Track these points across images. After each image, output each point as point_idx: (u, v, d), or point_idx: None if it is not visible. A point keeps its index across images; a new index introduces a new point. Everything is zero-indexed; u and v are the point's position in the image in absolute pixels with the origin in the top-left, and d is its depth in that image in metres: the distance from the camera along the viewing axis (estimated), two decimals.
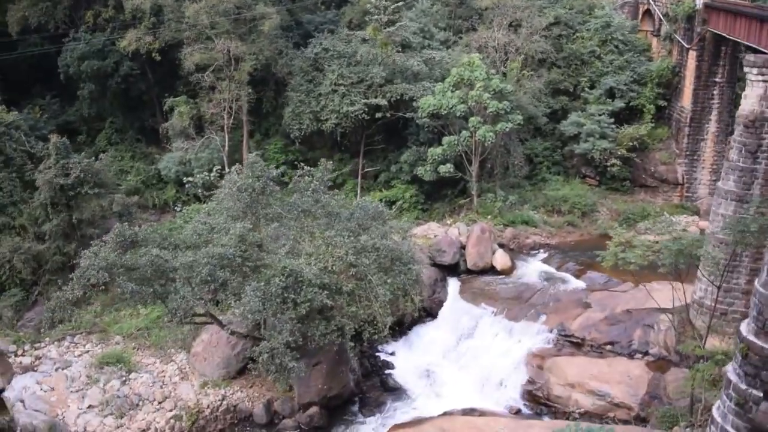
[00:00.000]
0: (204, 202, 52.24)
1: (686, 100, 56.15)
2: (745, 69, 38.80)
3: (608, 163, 56.14)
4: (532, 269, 48.20)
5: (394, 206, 54.93)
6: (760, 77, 37.95)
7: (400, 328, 44.04)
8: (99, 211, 48.62)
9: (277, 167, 57.76)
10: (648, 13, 62.67)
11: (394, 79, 54.55)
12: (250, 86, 56.46)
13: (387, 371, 41.69)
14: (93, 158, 50.17)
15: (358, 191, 56.92)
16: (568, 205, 54.64)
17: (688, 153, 56.33)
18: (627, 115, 59.01)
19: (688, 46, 55.66)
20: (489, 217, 52.64)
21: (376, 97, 53.67)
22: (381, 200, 54.81)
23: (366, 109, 53.40)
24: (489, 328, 42.87)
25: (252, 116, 59.50)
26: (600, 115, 56.76)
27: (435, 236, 51.11)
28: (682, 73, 57.16)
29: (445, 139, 50.59)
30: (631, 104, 58.56)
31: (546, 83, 59.80)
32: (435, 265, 47.68)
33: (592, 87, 59.68)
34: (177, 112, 55.53)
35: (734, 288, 39.50)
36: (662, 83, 58.25)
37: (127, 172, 59.23)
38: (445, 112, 49.95)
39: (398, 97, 53.57)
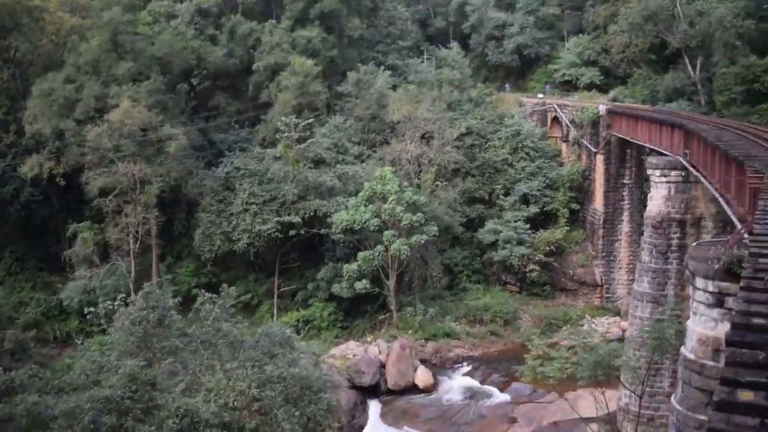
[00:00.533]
0: (109, 334, 49.18)
1: (598, 202, 56.41)
2: (648, 171, 38.88)
3: (527, 269, 55.35)
4: (456, 384, 46.13)
5: (310, 326, 52.92)
6: (663, 179, 37.96)
7: None
8: None
9: (189, 291, 56.08)
10: (556, 119, 63.84)
11: (308, 195, 53.35)
12: (158, 209, 54.41)
13: None
14: None
15: (275, 312, 54.49)
16: (490, 314, 53.26)
17: (604, 254, 56.11)
18: (542, 220, 58.87)
19: (595, 151, 56.38)
20: (410, 331, 50.75)
21: (289, 215, 52.15)
22: (298, 320, 52.89)
23: (279, 228, 51.70)
24: None
25: (162, 239, 57.10)
26: (516, 221, 56.42)
27: (354, 356, 48.77)
28: (592, 177, 57.71)
29: (361, 255, 49.11)
30: (545, 209, 58.56)
31: (461, 192, 59.49)
32: (354, 387, 45.14)
33: (506, 194, 59.64)
34: (80, 238, 52.77)
35: (658, 392, 38.21)
36: (574, 187, 58.62)
37: (26, 304, 55.47)
38: (359, 227, 48.64)
39: (312, 214, 52.22)
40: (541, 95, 72.52)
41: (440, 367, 48.91)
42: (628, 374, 38.43)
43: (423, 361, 48.93)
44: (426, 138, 58.60)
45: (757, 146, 26.89)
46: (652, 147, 44.39)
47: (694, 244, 37.03)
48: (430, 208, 51.84)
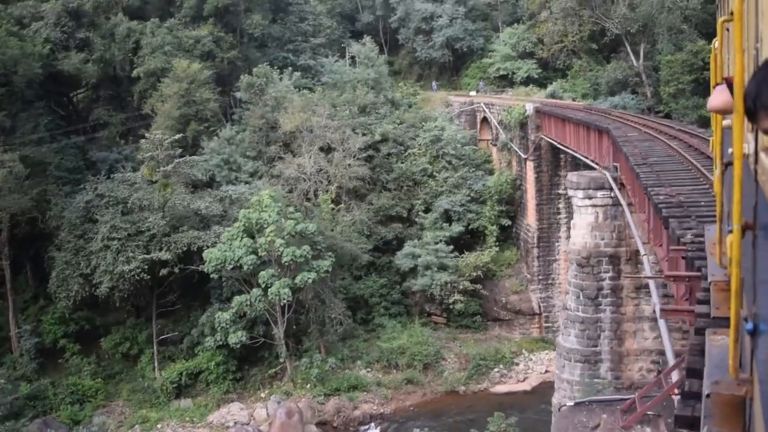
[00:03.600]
0: None
1: (531, 216, 46.62)
2: (569, 192, 28.98)
3: (450, 301, 45.42)
4: None
5: (198, 379, 42.82)
6: (587, 201, 28.14)
7: None
8: None
9: (55, 342, 45.71)
10: (486, 121, 53.93)
11: (183, 226, 42.99)
12: (9, 248, 44.11)
13: None
14: None
15: (155, 364, 44.13)
16: (407, 357, 43.29)
17: (540, 277, 46.38)
18: (468, 240, 49.06)
19: (525, 156, 46.53)
20: (308, 386, 40.70)
21: (161, 250, 41.75)
22: (181, 373, 42.71)
23: (146, 267, 41.30)
24: None
25: (19, 284, 46.62)
26: (437, 243, 46.48)
27: (235, 423, 38.64)
28: (523, 187, 47.84)
29: (236, 300, 38.89)
30: (471, 227, 48.58)
31: (375, 211, 49.40)
32: None
33: (427, 210, 49.62)
34: None
35: None
36: (503, 200, 48.84)
37: None
38: (231, 266, 38.41)
39: (186, 249, 41.83)
40: (473, 93, 62.55)
41: (342, 431, 38.89)
42: None
43: (322, 424, 39.03)
44: (327, 150, 48.46)
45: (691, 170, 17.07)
46: (581, 156, 34.63)
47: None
48: (325, 237, 41.71)
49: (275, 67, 55.70)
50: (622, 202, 22.38)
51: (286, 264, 38.18)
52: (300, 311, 42.11)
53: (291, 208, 40.48)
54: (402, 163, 51.36)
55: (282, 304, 38.29)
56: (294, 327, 42.28)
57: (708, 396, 3.77)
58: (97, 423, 41.25)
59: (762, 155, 3.30)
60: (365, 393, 41.40)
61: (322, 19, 66.31)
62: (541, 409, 37.65)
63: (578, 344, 28.15)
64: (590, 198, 27.79)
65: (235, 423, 38.80)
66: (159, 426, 39.65)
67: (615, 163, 26.55)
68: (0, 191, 41.72)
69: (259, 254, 38.26)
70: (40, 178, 47.54)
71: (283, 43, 63.07)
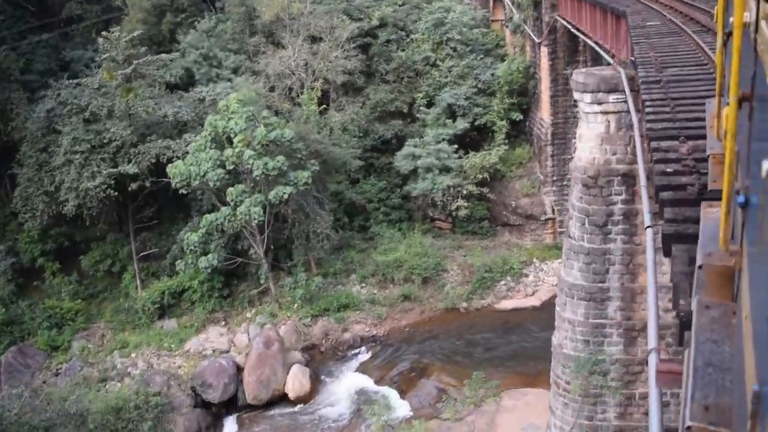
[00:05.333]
0: None
1: (545, 110, 39.99)
2: (575, 95, 22.62)
3: (453, 207, 39.87)
4: (342, 389, 32.25)
5: (182, 298, 38.76)
6: (596, 107, 21.86)
7: None
8: None
9: (33, 261, 41.80)
10: None
11: (152, 134, 37.60)
12: None
13: None
14: None
15: (138, 282, 40.05)
16: (404, 271, 38.38)
17: (555, 178, 40.33)
18: (476, 138, 42.80)
19: (539, 40, 39.35)
20: (295, 307, 36.33)
21: (128, 163, 36.63)
22: (165, 292, 38.64)
23: (113, 183, 36.34)
24: None
25: None
26: (438, 142, 40.43)
27: (213, 351, 34.73)
28: (537, 76, 40.89)
29: (205, 219, 33.88)
30: (477, 123, 42.13)
31: (372, 106, 43.21)
32: (203, 404, 31.32)
33: (429, 105, 43.17)
34: None
35: (601, 427, 23.99)
36: (514, 91, 41.99)
37: None
38: (196, 181, 33.16)
39: (155, 160, 36.60)
40: None
41: (329, 356, 34.80)
42: (557, 402, 24.25)
43: (309, 349, 34.90)
44: (315, 41, 41.72)
45: None
46: (596, 45, 27.76)
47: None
48: (307, 142, 35.96)
49: None
50: (633, 115, 16.21)
51: (257, 178, 32.75)
52: (282, 226, 37.11)
53: (265, 112, 34.58)
54: (402, 51, 44.51)
55: (254, 223, 33.18)
56: (275, 244, 37.44)
57: (700, 267, 3.81)
58: (76, 347, 37.84)
59: (763, 24, 3.02)
60: (357, 312, 36.94)
61: None
62: (551, 329, 32.95)
63: (582, 279, 22.74)
64: (600, 103, 21.45)
65: (214, 351, 34.88)
66: (133, 355, 35.89)
67: (631, 58, 20.03)
68: None
69: (227, 167, 32.82)
70: (4, 84, 42.25)
71: None
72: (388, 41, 45.01)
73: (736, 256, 3.52)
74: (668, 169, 9.06)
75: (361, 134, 42.17)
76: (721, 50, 4.38)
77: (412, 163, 40.86)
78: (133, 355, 35.95)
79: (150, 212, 40.60)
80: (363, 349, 34.96)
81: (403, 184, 42.68)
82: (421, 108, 42.92)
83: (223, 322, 37.80)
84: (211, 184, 32.81)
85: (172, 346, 36.20)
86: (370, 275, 38.95)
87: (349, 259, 40.00)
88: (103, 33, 37.73)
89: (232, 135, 32.78)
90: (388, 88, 43.95)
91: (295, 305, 36.57)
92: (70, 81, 39.24)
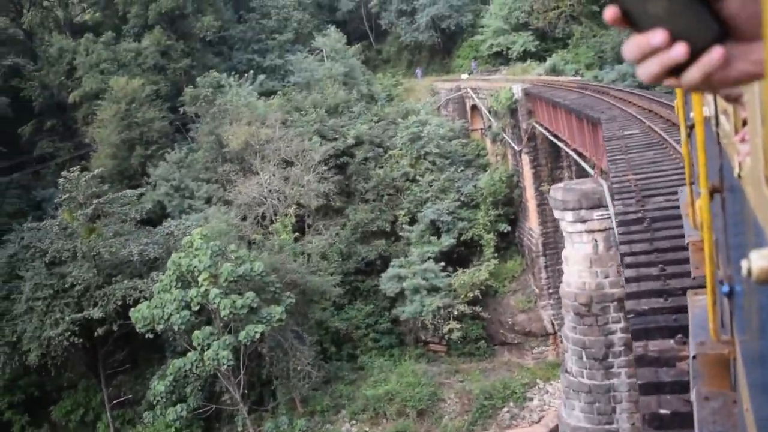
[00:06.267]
0: None
1: (533, 219, 37.73)
2: (555, 213, 20.25)
3: (445, 330, 36.92)
4: None
5: None
6: (580, 226, 19.40)
7: None
8: None
9: (1, 415, 38.42)
10: (476, 108, 44.97)
11: (118, 275, 35.22)
12: None
13: None
14: None
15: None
16: (396, 404, 34.91)
17: (551, 290, 37.47)
18: (464, 253, 40.39)
19: (519, 148, 37.59)
20: None
21: (94, 306, 34.00)
22: None
23: (75, 329, 33.60)
24: None
25: None
26: (424, 261, 37.93)
27: None
28: (522, 184, 38.91)
29: (173, 365, 30.93)
30: (463, 238, 39.76)
31: (353, 227, 41.07)
32: None
33: (413, 222, 40.99)
34: None
35: None
36: (499, 201, 39.86)
37: None
38: (161, 326, 30.40)
39: (121, 302, 33.99)
40: (465, 75, 53.63)
41: None
42: None
43: None
44: (289, 165, 40.01)
45: None
46: (574, 153, 25.73)
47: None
48: (281, 274, 33.44)
49: (236, 73, 47.41)
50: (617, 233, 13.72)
51: (226, 318, 29.99)
52: (259, 364, 34.02)
53: (233, 246, 32.18)
54: (381, 168, 42.84)
55: (223, 368, 30.14)
56: (254, 384, 34.26)
57: (695, 357, 3.79)
58: None
59: (722, 118, 3.06)
60: None
61: (290, 12, 57.37)
62: None
63: (586, 421, 19.62)
64: (584, 221, 19.08)
65: None
66: None
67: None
68: None
69: (193, 308, 30.12)
70: None
71: (246, 43, 54.75)
72: (366, 159, 43.42)
73: (728, 346, 3.46)
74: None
75: (342, 257, 39.74)
76: (686, 141, 4.34)
77: (398, 285, 38.18)
78: None
79: (121, 356, 37.73)
80: None
81: (392, 306, 39.84)
82: (403, 226, 40.73)
83: None
84: (175, 327, 30.03)
85: None
86: (360, 411, 35.41)
87: (337, 393, 36.58)
88: (63, 173, 36.07)
89: (196, 273, 30.28)
90: (369, 207, 41.94)
91: None
92: (33, 224, 37.29)
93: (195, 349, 30.43)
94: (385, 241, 41.56)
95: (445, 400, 35.83)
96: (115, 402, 37.18)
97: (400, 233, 41.15)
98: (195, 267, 30.16)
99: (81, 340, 34.23)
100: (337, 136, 43.71)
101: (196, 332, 29.83)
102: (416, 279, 37.38)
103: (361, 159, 43.32)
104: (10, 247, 37.05)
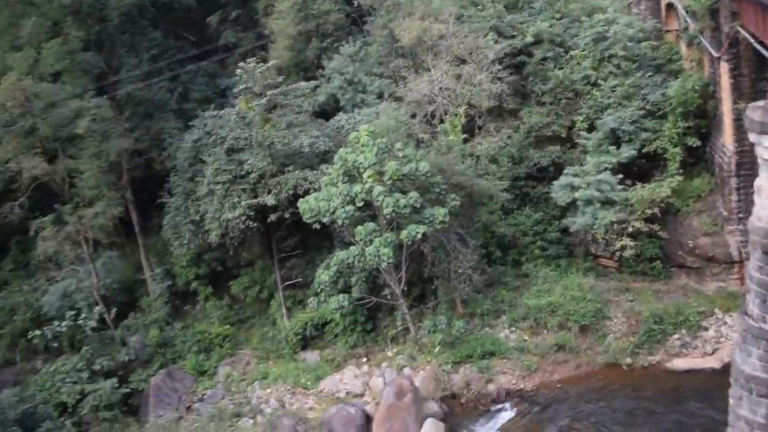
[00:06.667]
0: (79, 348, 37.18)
1: (728, 135, 34.07)
2: (750, 137, 17.93)
3: (617, 246, 35.09)
4: None
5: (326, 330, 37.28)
6: None
7: None
8: None
9: (187, 285, 42.30)
10: (672, 6, 40.55)
11: (290, 165, 36.52)
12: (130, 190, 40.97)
13: None
14: None
15: (284, 312, 39.15)
16: (559, 316, 34.21)
17: (741, 215, 34.09)
18: (645, 166, 37.57)
19: (717, 55, 33.62)
20: (436, 350, 33.53)
21: (268, 193, 35.73)
22: (308, 323, 37.36)
23: (252, 214, 35.60)
24: None
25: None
26: (600, 171, 35.83)
27: (347, 394, 32.80)
28: (718, 95, 35.04)
29: (337, 257, 31.96)
30: (646, 150, 36.88)
31: (527, 130, 39.47)
32: None
33: (590, 129, 38.57)
34: (40, 236, 40.06)
35: None
36: (690, 113, 36.22)
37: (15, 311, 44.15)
38: (326, 218, 31.30)
39: (292, 191, 35.40)
40: None
41: (469, 410, 31.47)
42: None
43: (450, 398, 31.86)
44: (462, 63, 38.58)
45: None
46: None
47: None
48: (448, 174, 32.95)
49: None
50: None
51: (388, 216, 30.24)
52: (421, 264, 34.39)
53: (399, 144, 31.95)
54: (560, 69, 40.24)
55: (383, 265, 30.69)
56: (415, 282, 34.81)
57: None
58: (221, 374, 37.55)
59: None
60: (504, 361, 33.28)
61: None
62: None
63: (763, 370, 17.79)
64: None
65: (347, 393, 32.90)
66: (268, 390, 34.79)
67: None
68: (109, 136, 37.75)
69: (357, 204, 30.63)
70: (160, 114, 43.33)
71: None
72: (544, 59, 40.90)
73: None
74: None
75: (513, 161, 38.51)
76: None
77: (570, 194, 36.47)
78: (268, 390, 34.92)
79: (293, 241, 39.69)
80: (507, 405, 31.25)
81: (562, 216, 38.36)
82: (581, 133, 38.40)
83: (365, 358, 35.86)
84: (339, 221, 30.82)
85: (308, 383, 34.70)
86: (520, 318, 35.12)
87: (499, 298, 36.43)
88: (240, 64, 37.15)
89: (361, 170, 30.59)
90: (544, 111, 39.88)
91: (436, 349, 33.69)
92: (215, 111, 39.21)
93: (357, 244, 31.21)
94: (560, 148, 39.58)
95: (611, 318, 34.58)
96: (286, 284, 39.50)
97: (576, 140, 38.92)
98: (360, 163, 30.44)
99: (256, 224, 36.29)
100: (514, 33, 41.40)
101: (359, 227, 30.47)
102: (590, 190, 35.46)
103: (539, 59, 40.90)
104: (196, 133, 39.35)
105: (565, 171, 37.46)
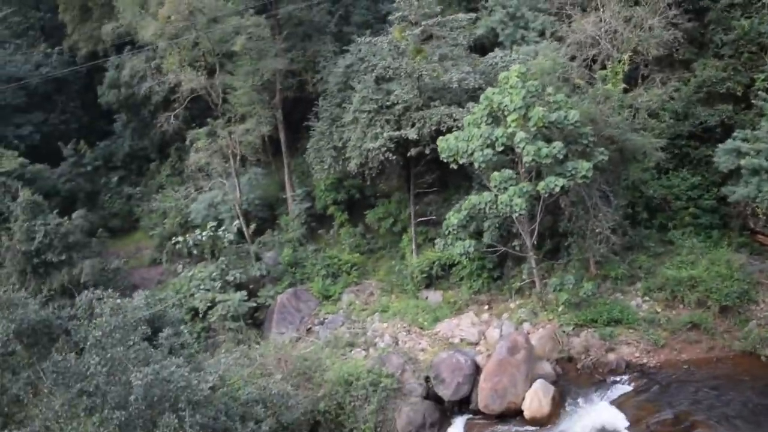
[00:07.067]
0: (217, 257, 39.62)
1: None
2: None
3: None
4: (587, 422, 27.56)
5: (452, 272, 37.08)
6: None
7: None
8: (68, 280, 38.27)
9: (325, 209, 43.31)
10: None
11: (437, 100, 35.65)
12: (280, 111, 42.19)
13: None
14: (66, 217, 39.86)
15: (413, 248, 39.22)
16: (698, 292, 31.65)
17: None
18: None
19: None
20: (560, 309, 32.29)
21: (412, 126, 35.25)
22: (435, 262, 37.30)
23: (392, 147, 35.36)
24: None
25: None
26: None
27: (461, 340, 32.49)
28: None
29: (468, 201, 31.04)
30: None
31: (697, 84, 35.93)
32: (434, 397, 29.42)
33: None
34: (194, 147, 42.38)
35: None
36: None
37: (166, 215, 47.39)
38: (464, 159, 30.34)
39: (435, 127, 34.65)
40: None
41: (584, 377, 30.18)
42: None
43: (566, 360, 30.77)
44: (634, 4, 35.28)
45: None
46: None
47: None
48: (600, 126, 30.69)
49: None
50: None
51: (528, 164, 28.77)
52: (557, 217, 32.73)
53: (550, 89, 30.00)
54: (747, 19, 35.82)
55: (515, 215, 29.39)
56: (548, 235, 33.29)
57: None
58: (345, 300, 38.51)
59: None
60: (630, 331, 31.45)
61: None
62: None
63: None
64: None
65: (461, 340, 32.54)
66: (385, 325, 35.16)
67: None
68: (265, 55, 38.63)
69: (497, 148, 29.32)
70: (317, 37, 43.54)
71: None
72: (731, 5, 36.46)
73: None
74: None
75: (677, 118, 35.32)
76: None
77: (735, 161, 32.80)
78: (385, 324, 35.26)
79: (431, 178, 39.25)
80: (626, 378, 29.60)
81: (722, 183, 34.91)
82: (759, 93, 34.22)
83: (487, 306, 35.32)
84: (476, 164, 29.76)
85: (425, 323, 34.72)
86: (656, 289, 32.86)
87: (637, 263, 34.23)
88: None
89: (506, 113, 29.12)
90: (721, 65, 35.90)
91: (560, 308, 32.40)
92: (368, 38, 38.73)
93: (491, 190, 30.11)
94: (732, 107, 35.69)
95: (758, 302, 31.58)
96: (420, 219, 39.33)
97: (753, 101, 34.78)
98: (506, 106, 28.98)
99: (395, 157, 36.02)
100: None
101: (495, 173, 29.30)
102: (759, 158, 31.64)
103: (725, 5, 36.54)
104: (348, 58, 39.24)
105: (734, 134, 33.65)
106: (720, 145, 34.16)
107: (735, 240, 34.48)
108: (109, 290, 22.35)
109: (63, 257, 38.37)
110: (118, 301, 20.71)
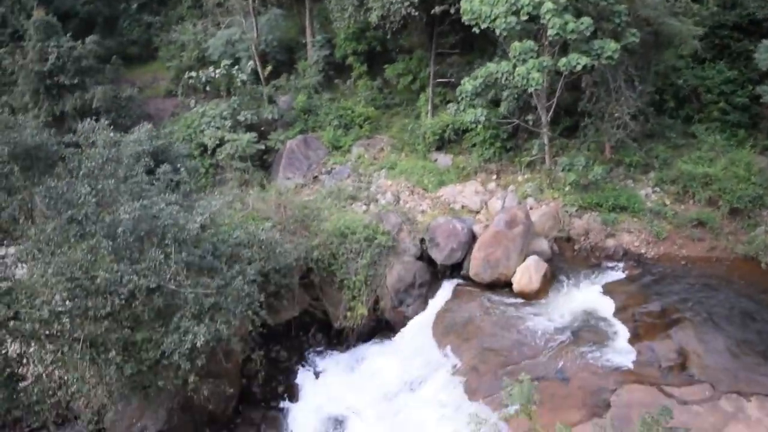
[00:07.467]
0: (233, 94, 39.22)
1: None
2: None
3: None
4: (574, 303, 27.85)
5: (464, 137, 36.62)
6: None
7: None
8: (80, 104, 38.28)
9: (344, 58, 42.19)
10: None
11: None
12: None
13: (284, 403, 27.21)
14: (80, 41, 39.17)
15: (429, 109, 38.53)
16: (711, 190, 31.06)
17: None
18: None
19: None
20: (567, 189, 31.98)
21: None
22: (448, 126, 36.72)
23: (415, 1, 33.71)
24: (439, 390, 25.41)
25: None
26: None
27: (462, 207, 32.55)
28: None
29: (484, 69, 29.89)
30: None
31: None
32: (427, 260, 29.88)
33: None
34: None
35: None
36: None
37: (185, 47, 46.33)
38: (485, 24, 28.88)
39: None
40: None
41: (580, 259, 30.33)
42: None
43: (564, 240, 30.86)
44: None
45: None
46: None
47: None
48: (636, 5, 28.88)
49: None
50: None
51: (551, 38, 27.36)
52: (579, 96, 31.61)
53: None
54: None
55: (530, 89, 28.35)
56: (561, 113, 32.33)
57: None
58: (354, 153, 38.33)
59: None
60: (633, 220, 31.19)
61: None
62: None
63: None
64: None
65: (463, 207, 32.53)
66: (390, 182, 35.08)
67: None
68: None
69: (521, 17, 27.78)
70: None
71: None
72: None
73: None
74: None
75: (724, 5, 33.18)
76: None
77: None
78: (390, 182, 35.17)
79: (455, 39, 37.72)
80: (621, 265, 29.65)
81: (760, 81, 33.28)
82: None
83: (495, 175, 35.05)
84: (498, 31, 28.34)
85: (429, 186, 34.59)
86: (669, 181, 32.26)
87: (654, 153, 33.45)
88: None
89: None
90: None
91: (566, 188, 32.06)
92: None
93: (510, 60, 28.89)
94: None
95: None
96: (439, 80, 38.30)
97: None
98: None
99: (418, 13, 34.44)
100: None
101: (516, 43, 27.95)
102: None
103: None
104: None
105: None
106: (764, 40, 32.27)
107: (761, 143, 33.31)
108: (118, 119, 22.29)
109: (75, 81, 38.18)
110: (111, 134, 20.51)
